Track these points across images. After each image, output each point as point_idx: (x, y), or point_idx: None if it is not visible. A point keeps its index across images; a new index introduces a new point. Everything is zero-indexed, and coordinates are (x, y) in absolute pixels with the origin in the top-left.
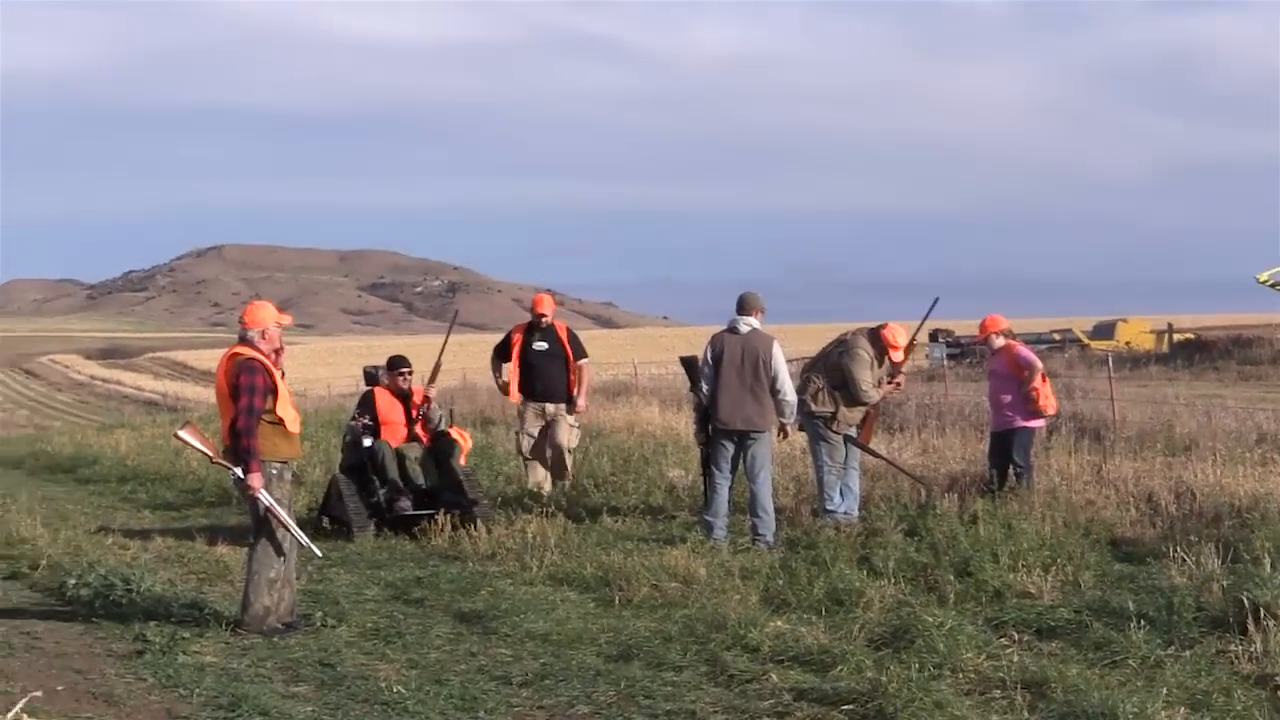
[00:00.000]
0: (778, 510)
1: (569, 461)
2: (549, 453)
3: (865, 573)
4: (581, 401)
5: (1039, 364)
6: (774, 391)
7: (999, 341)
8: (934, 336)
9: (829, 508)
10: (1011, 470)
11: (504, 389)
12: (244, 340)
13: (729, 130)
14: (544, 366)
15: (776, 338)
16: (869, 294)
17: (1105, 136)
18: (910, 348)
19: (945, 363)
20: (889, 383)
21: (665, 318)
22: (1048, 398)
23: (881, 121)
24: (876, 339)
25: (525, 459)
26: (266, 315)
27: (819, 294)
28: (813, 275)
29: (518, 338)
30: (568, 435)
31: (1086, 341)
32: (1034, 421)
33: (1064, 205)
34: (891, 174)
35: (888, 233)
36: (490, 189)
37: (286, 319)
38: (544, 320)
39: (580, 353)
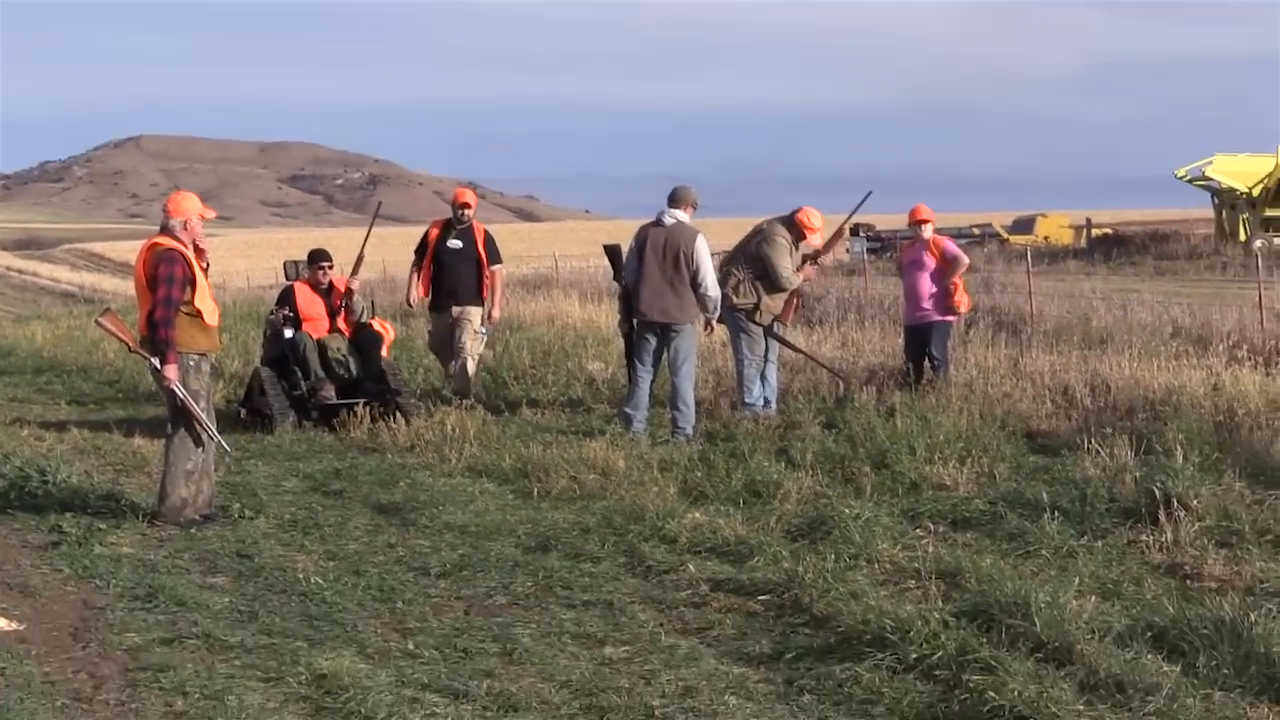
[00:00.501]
0: (697, 403)
1: (471, 369)
2: (452, 362)
3: (783, 465)
4: (495, 311)
5: (965, 259)
6: (695, 285)
7: (929, 231)
8: (855, 231)
9: (748, 400)
10: (928, 363)
11: (407, 298)
12: (165, 230)
13: (663, 25)
14: (456, 266)
15: (702, 232)
16: (799, 189)
17: (1033, 31)
18: (836, 239)
19: (866, 257)
20: (811, 265)
21: (587, 211)
22: (964, 294)
23: (814, 16)
24: (792, 224)
25: (436, 357)
26: (190, 206)
27: (748, 190)
28: (743, 171)
29: (434, 233)
30: (472, 341)
31: (1006, 236)
32: (951, 316)
33: (993, 102)
34: (824, 70)
35: (819, 128)
36: (418, 83)
37: (210, 213)
38: (465, 215)
39: (495, 257)
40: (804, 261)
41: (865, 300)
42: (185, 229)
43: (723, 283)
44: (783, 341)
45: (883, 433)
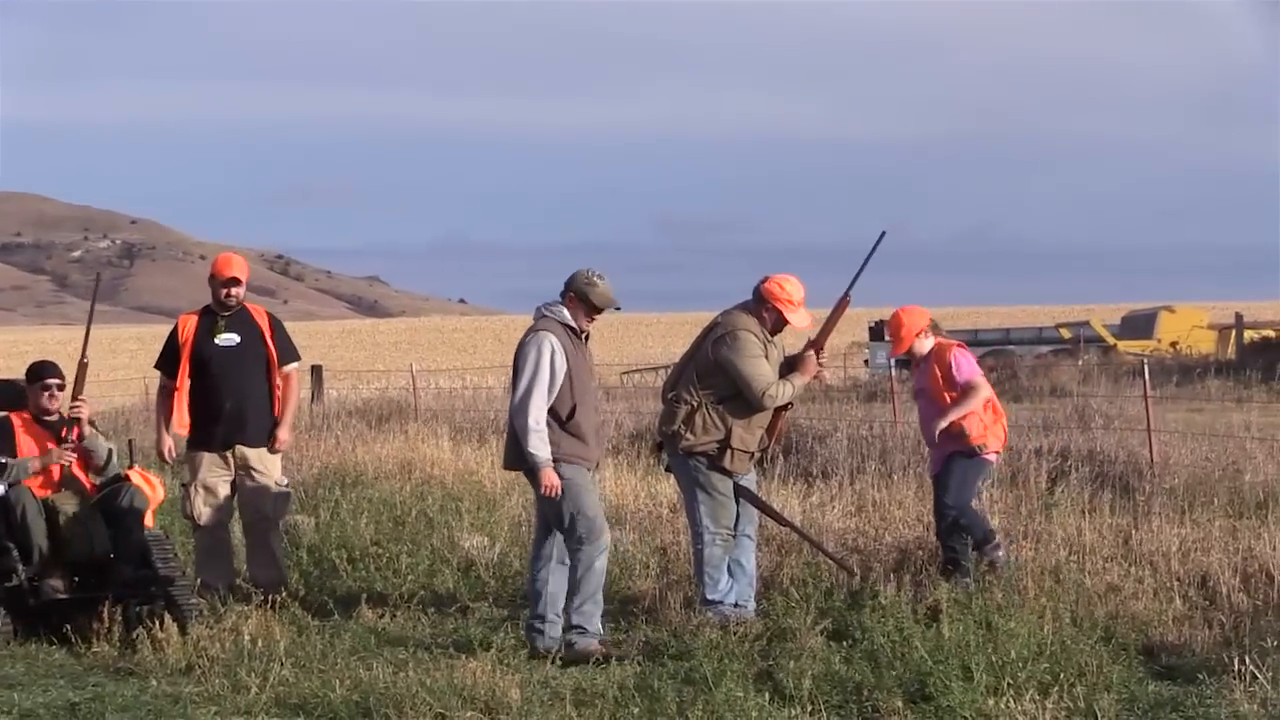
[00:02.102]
0: (632, 600)
1: (278, 549)
2: (246, 535)
3: (767, 697)
4: (283, 432)
5: (982, 386)
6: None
7: (925, 345)
8: (876, 331)
9: (710, 596)
10: (938, 518)
11: (158, 450)
12: None
13: (560, 19)
14: (231, 375)
15: (545, 331)
16: (778, 264)
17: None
18: (838, 315)
19: (893, 372)
20: (813, 355)
21: (461, 300)
22: (988, 428)
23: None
24: (761, 305)
25: (195, 526)
26: None
27: (704, 264)
28: (696, 236)
29: (187, 328)
30: (274, 502)
31: (1112, 341)
32: (971, 447)
33: (1084, 132)
34: (820, 82)
35: (802, 174)
36: (188, 100)
37: None
38: (233, 295)
39: (288, 353)
40: (792, 363)
41: (892, 440)
42: None
43: (668, 417)
44: (764, 508)
45: (922, 647)
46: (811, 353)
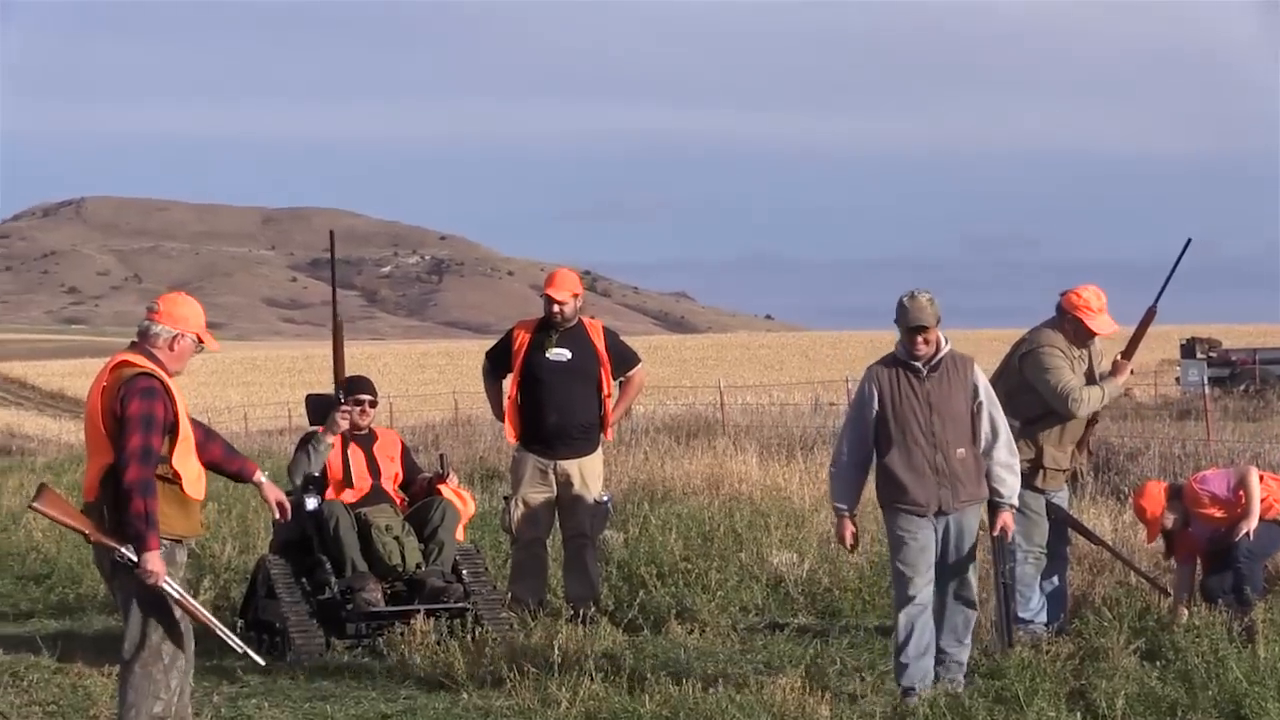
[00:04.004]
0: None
1: (593, 564)
2: (564, 550)
3: (1080, 716)
4: (610, 427)
5: (1246, 472)
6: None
7: (1170, 518)
8: (1188, 349)
9: (1023, 614)
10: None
11: (503, 417)
12: (144, 340)
13: (862, 38)
14: (561, 390)
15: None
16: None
17: None
18: (1146, 324)
19: (1206, 389)
20: (1121, 362)
21: (768, 317)
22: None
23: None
24: (1063, 318)
25: (514, 539)
26: (192, 316)
27: (1007, 279)
28: (999, 253)
29: (522, 338)
30: (593, 518)
31: None
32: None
33: None
34: (1112, 102)
35: (1107, 189)
36: (494, 117)
37: (212, 343)
38: (563, 312)
39: (626, 358)
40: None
41: (1205, 458)
42: (173, 347)
43: None
44: (1077, 527)
45: (1238, 668)
46: (1123, 360)
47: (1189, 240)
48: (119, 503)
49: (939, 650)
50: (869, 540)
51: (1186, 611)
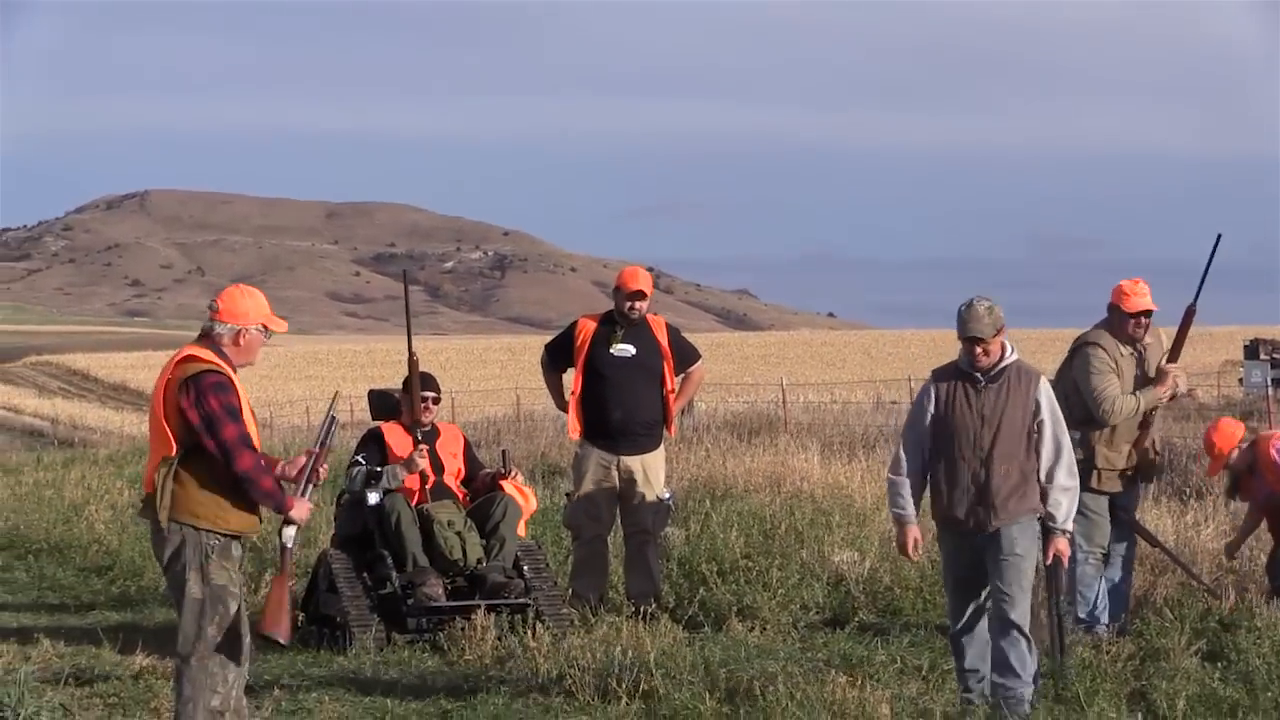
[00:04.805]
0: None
1: (654, 561)
2: (625, 546)
3: (1140, 716)
4: (674, 419)
5: None
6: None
7: (1236, 462)
8: (1252, 350)
9: (1082, 614)
10: None
11: (565, 408)
12: (206, 337)
13: (931, 37)
14: (626, 386)
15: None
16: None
17: None
18: (1185, 330)
19: (1270, 389)
20: (1169, 365)
21: (830, 314)
22: None
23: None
24: (1111, 314)
25: (575, 535)
26: (253, 308)
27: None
28: (1063, 253)
29: (585, 332)
30: (655, 515)
31: None
32: None
33: None
34: (1179, 104)
35: (1170, 190)
36: (554, 113)
37: (279, 324)
38: (634, 310)
39: (689, 356)
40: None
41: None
42: (237, 343)
43: None
44: (1139, 529)
45: None
46: (1168, 364)
47: (1219, 236)
48: (239, 493)
49: (993, 684)
50: (931, 539)
51: (1236, 554)
